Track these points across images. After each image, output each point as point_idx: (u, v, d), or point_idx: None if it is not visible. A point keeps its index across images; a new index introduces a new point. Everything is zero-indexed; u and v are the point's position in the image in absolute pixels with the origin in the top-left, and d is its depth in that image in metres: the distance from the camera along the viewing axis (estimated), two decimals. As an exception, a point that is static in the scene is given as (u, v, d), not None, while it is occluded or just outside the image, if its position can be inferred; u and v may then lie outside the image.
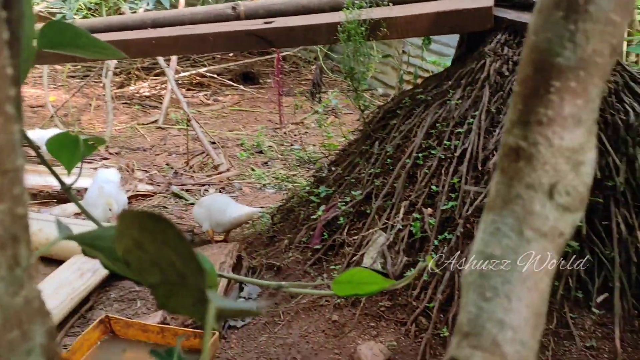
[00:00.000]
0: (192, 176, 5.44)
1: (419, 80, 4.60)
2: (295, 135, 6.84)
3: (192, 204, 4.61)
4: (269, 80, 8.68)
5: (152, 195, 4.90)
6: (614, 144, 3.02)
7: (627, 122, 3.03)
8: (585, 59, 0.68)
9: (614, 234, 2.94)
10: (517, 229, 0.71)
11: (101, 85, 7.31)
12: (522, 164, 0.73)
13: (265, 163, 5.98)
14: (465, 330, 0.70)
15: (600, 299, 2.93)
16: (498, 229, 0.72)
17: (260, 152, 6.26)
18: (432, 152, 3.18)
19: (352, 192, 3.31)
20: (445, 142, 3.16)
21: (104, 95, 6.85)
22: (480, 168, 3.03)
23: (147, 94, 7.93)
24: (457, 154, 3.10)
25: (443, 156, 3.14)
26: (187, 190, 5.03)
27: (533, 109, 0.72)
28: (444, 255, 2.88)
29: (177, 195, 4.92)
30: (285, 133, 6.98)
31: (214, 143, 6.17)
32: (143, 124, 6.89)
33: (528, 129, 0.73)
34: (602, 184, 2.99)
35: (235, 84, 8.31)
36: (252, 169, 5.69)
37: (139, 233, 0.59)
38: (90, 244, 0.78)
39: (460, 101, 3.22)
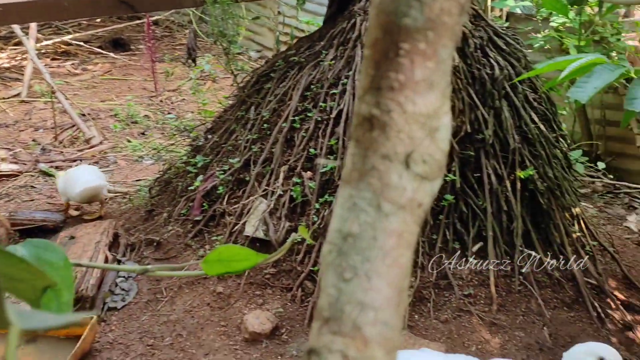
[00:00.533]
0: (62, 152, 5.12)
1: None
2: (171, 103, 6.61)
3: (63, 182, 4.34)
4: (141, 47, 8.30)
5: (18, 175, 4.57)
6: (482, 97, 3.11)
7: (493, 76, 3.12)
8: (433, 19, 0.64)
9: (485, 185, 3.05)
10: (375, 203, 0.67)
11: (-49, 57, 6.70)
12: (376, 134, 0.68)
13: (142, 133, 5.74)
14: (326, 315, 0.66)
15: (475, 248, 3.05)
16: (355, 204, 0.68)
17: (135, 122, 5.99)
18: (309, 114, 3.14)
19: (230, 160, 3.22)
20: (320, 103, 3.13)
21: (-45, 68, 6.28)
22: (356, 128, 3.02)
23: (7, 65, 7.36)
24: (333, 116, 3.08)
25: (319, 118, 3.11)
26: (56, 168, 4.73)
27: (384, 74, 0.68)
28: (324, 218, 2.88)
29: (46, 174, 4.61)
30: (161, 101, 6.72)
31: (84, 115, 5.84)
32: (4, 98, 6.40)
33: (380, 96, 0.68)
34: (473, 137, 3.08)
35: (105, 52, 7.88)
36: (128, 141, 5.44)
37: None
38: None
39: (333, 62, 3.20)
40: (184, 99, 6.81)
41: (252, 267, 1.13)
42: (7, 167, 4.62)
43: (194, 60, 7.39)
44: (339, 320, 0.65)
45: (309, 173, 3.04)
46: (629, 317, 3.06)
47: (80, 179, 3.49)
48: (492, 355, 2.66)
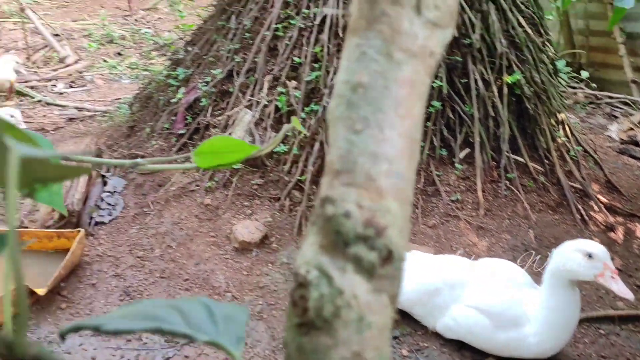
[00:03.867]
0: (37, 72, 4.98)
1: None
2: (147, 22, 6.42)
3: (40, 101, 4.23)
4: (112, -36, 7.98)
5: (-7, 96, 4.44)
6: (468, 0, 3.03)
7: (480, -22, 3.04)
8: None
9: (472, 90, 3.02)
10: (385, 51, 0.64)
11: None
12: (386, -23, 0.64)
13: (118, 54, 5.59)
14: (337, 168, 0.63)
15: (462, 154, 3.05)
16: (364, 53, 0.64)
17: (111, 42, 5.82)
18: (292, 22, 3.05)
19: (212, 71, 3.14)
20: (303, 10, 3.03)
21: None
22: (341, 35, 2.95)
23: (-29, -16, 7.05)
24: (317, 22, 3.00)
25: (303, 25, 3.02)
26: (32, 87, 4.60)
27: None
28: (311, 125, 2.84)
29: (21, 94, 4.49)
30: (136, 20, 6.53)
31: (57, 35, 5.65)
32: (-29, 20, 6.17)
33: None
34: (460, 42, 3.02)
35: (73, -31, 7.56)
36: (104, 60, 5.30)
37: None
38: None
39: (316, -34, 3.08)
40: (159, 18, 6.62)
41: (244, 159, 1.10)
42: (-20, 88, 4.48)
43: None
44: (351, 172, 0.63)
45: (293, 82, 2.98)
46: (611, 219, 3.11)
47: None
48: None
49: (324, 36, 2.96)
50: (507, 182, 3.03)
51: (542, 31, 3.37)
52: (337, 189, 0.64)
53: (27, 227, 2.65)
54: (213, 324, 0.61)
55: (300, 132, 2.79)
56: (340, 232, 0.58)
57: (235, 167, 2.92)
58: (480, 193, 2.94)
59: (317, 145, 2.85)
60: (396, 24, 0.65)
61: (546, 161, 3.20)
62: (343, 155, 0.65)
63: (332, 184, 0.65)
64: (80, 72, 4.96)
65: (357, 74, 0.66)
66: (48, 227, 2.69)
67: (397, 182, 0.64)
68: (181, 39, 3.97)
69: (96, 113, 4.04)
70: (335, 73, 2.90)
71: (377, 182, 0.63)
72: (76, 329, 0.49)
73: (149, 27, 6.17)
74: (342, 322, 0.58)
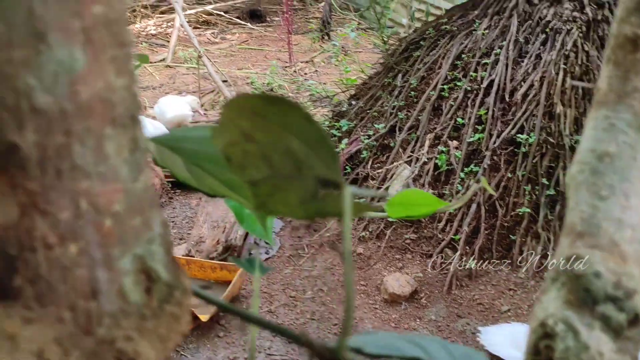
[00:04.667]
0: (205, 114, 5.38)
1: (430, 18, 4.48)
2: (305, 74, 6.75)
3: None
4: (276, 19, 8.51)
5: (166, 133, 4.85)
6: None
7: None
8: None
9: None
10: (635, 125, 0.67)
11: (107, 23, 7.18)
12: (641, 55, 0.68)
13: (277, 101, 5.92)
14: (579, 230, 0.67)
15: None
16: (613, 125, 0.68)
17: (271, 90, 6.18)
18: (458, 83, 3.11)
19: (376, 126, 3.26)
20: (471, 73, 3.09)
21: (110, 33, 6.72)
22: (507, 99, 2.97)
23: (154, 32, 7.79)
24: (483, 86, 3.04)
25: (469, 88, 3.07)
26: (200, 128, 4.97)
27: (656, -6, 0.67)
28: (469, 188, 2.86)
29: (190, 133, 4.86)
30: (295, 71, 6.89)
31: (225, 81, 6.09)
32: (151, 63, 6.79)
33: (649, 16, 0.68)
34: None
35: (242, 22, 8.15)
36: (265, 107, 5.63)
37: (250, 122, 0.54)
38: (170, 146, 0.74)
39: (487, 31, 3.14)
40: (316, 71, 6.93)
41: (431, 214, 1.15)
42: (156, 125, 4.91)
43: (327, 34, 7.51)
44: (595, 236, 0.66)
45: (455, 142, 3.02)
46: None
47: (171, 106, 4.24)
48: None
49: (490, 99, 2.99)
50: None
51: None
52: (581, 249, 0.67)
53: (194, 257, 2.85)
54: (456, 363, 0.66)
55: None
56: (590, 290, 0.61)
57: (389, 220, 2.98)
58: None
59: (474, 207, 2.85)
60: (648, 99, 0.68)
61: None
62: (586, 219, 0.68)
63: (575, 244, 0.68)
64: (244, 117, 5.30)
65: (604, 143, 0.70)
66: (212, 259, 2.88)
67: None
68: (343, 91, 4.16)
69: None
70: (498, 136, 2.91)
71: (621, 247, 0.66)
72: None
73: (307, 79, 6.50)
74: (585, 377, 0.61)
